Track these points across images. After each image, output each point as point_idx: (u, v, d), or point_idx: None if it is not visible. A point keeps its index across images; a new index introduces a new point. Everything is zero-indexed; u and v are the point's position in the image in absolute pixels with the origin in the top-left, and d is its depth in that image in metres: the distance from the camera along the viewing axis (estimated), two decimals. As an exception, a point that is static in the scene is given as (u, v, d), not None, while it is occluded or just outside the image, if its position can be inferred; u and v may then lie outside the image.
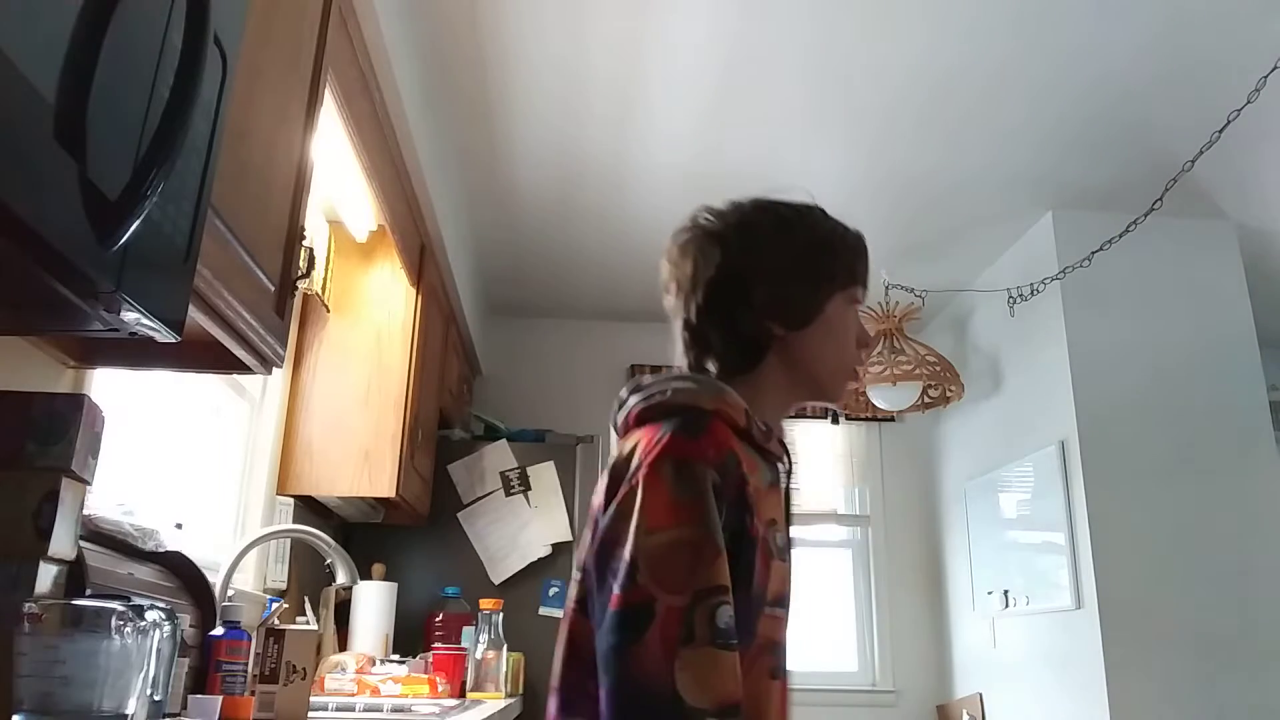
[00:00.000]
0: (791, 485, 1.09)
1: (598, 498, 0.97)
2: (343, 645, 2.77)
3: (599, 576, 0.90)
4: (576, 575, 0.97)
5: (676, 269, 1.07)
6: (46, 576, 1.05)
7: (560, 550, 3.20)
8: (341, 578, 2.15)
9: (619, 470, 0.94)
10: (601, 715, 0.84)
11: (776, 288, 1.03)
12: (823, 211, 1.10)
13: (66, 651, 0.88)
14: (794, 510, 1.11)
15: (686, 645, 0.82)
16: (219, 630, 1.54)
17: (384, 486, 2.61)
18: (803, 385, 1.07)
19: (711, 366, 1.05)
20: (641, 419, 0.99)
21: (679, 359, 1.08)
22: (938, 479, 4.31)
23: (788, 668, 1.03)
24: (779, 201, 1.09)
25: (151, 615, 0.96)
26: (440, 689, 2.35)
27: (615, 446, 1.04)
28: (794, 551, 1.08)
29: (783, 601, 0.99)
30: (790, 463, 1.08)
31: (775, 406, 1.06)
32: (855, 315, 1.09)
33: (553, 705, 0.95)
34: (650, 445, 0.92)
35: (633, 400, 1.01)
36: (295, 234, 1.51)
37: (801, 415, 4.31)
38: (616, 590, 0.86)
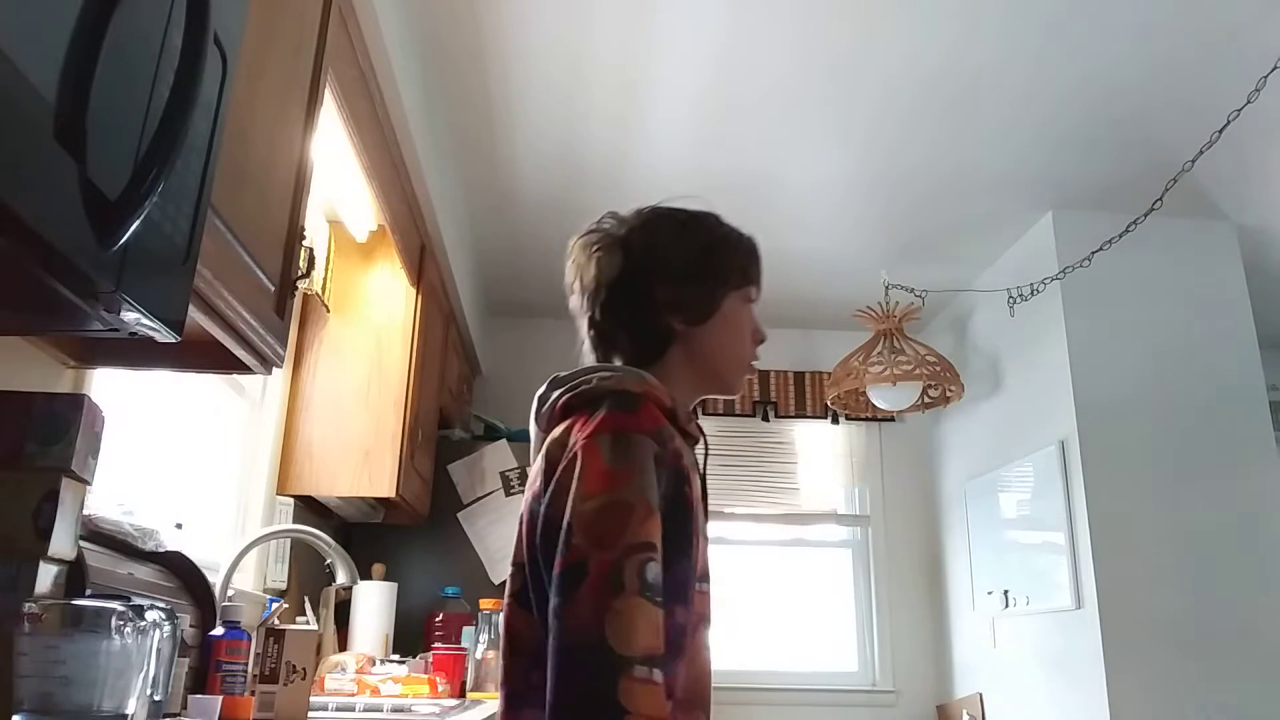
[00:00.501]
0: (707, 469, 1.15)
1: (532, 489, 1.01)
2: (343, 645, 2.76)
3: (545, 557, 0.93)
4: (509, 570, 1.02)
5: (581, 271, 1.13)
6: (46, 576, 1.05)
7: (560, 550, 3.20)
8: (341, 578, 2.15)
9: (554, 455, 0.98)
10: (548, 675, 0.87)
11: (677, 286, 1.10)
12: (718, 217, 1.18)
13: (66, 651, 0.88)
14: (709, 492, 1.16)
15: (616, 596, 0.86)
16: (219, 630, 1.54)
17: (384, 486, 2.61)
18: (703, 376, 1.14)
19: (618, 361, 1.11)
20: (569, 408, 1.03)
21: (586, 356, 1.15)
22: (938, 479, 4.31)
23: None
24: (677, 208, 1.17)
25: (151, 615, 0.96)
26: (440, 689, 2.35)
27: (536, 441, 1.09)
28: (711, 530, 1.13)
29: (707, 578, 1.04)
30: (706, 446, 1.15)
31: (686, 395, 1.13)
32: (750, 313, 1.17)
33: (500, 700, 0.99)
34: (586, 425, 0.97)
35: (556, 393, 1.06)
36: (295, 234, 1.51)
37: (802, 415, 4.32)
38: (558, 556, 0.90)
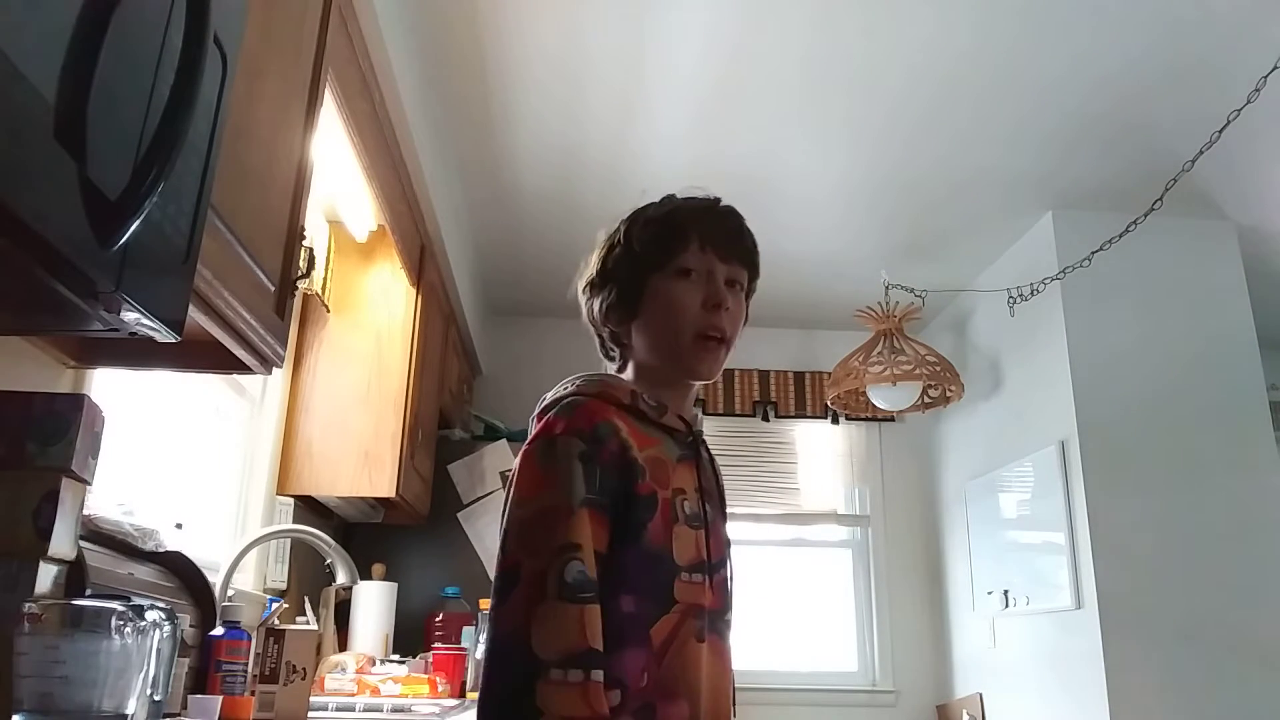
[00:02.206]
0: (709, 456, 1.17)
1: None
2: (343, 645, 2.76)
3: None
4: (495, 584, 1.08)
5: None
6: (46, 576, 1.05)
7: (560, 550, 3.20)
8: (341, 578, 2.15)
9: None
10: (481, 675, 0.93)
11: (597, 296, 1.17)
12: (655, 203, 1.18)
13: (66, 651, 0.88)
14: (721, 480, 1.19)
15: (540, 602, 0.91)
16: (219, 630, 1.54)
17: (384, 486, 2.61)
18: (656, 367, 1.14)
19: (610, 369, 1.21)
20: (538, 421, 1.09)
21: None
22: (938, 479, 4.31)
23: (721, 630, 1.11)
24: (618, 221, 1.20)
25: (151, 615, 0.96)
26: (440, 689, 2.35)
27: None
28: (717, 519, 1.14)
29: (700, 567, 1.05)
30: (701, 437, 1.16)
31: (663, 390, 1.13)
32: (690, 284, 1.11)
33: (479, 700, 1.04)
34: (532, 434, 1.03)
35: (537, 411, 1.12)
36: (295, 234, 1.51)
37: (802, 415, 4.32)
38: (496, 561, 0.96)
